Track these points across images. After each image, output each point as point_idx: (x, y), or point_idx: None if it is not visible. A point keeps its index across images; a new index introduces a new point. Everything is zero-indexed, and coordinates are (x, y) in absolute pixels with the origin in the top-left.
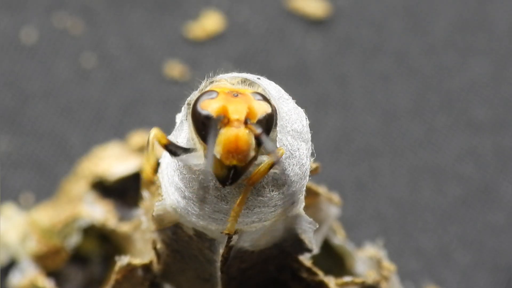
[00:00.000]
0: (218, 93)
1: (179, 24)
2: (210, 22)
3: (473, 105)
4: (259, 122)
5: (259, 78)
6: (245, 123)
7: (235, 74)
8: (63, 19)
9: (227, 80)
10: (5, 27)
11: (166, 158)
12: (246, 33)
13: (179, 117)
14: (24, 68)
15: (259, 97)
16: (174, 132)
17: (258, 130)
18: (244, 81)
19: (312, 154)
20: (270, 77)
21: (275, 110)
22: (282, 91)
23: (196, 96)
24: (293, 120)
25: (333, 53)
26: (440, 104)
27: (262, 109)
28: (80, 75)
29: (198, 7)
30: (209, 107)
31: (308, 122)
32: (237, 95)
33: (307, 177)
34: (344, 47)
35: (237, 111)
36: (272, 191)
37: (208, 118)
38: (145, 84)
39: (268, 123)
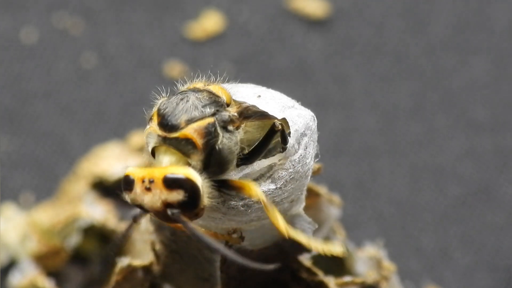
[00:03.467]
0: (133, 182)
1: (179, 24)
2: (210, 22)
3: (473, 105)
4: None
5: (259, 96)
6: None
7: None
8: (63, 19)
9: (160, 111)
10: (5, 27)
11: None
12: (246, 33)
13: None
14: (24, 68)
15: (172, 179)
16: None
17: (176, 216)
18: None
19: (316, 155)
20: (270, 77)
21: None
22: (284, 99)
23: (121, 178)
24: (307, 121)
25: (333, 53)
26: (440, 104)
27: (174, 199)
28: (80, 75)
29: (198, 7)
30: (128, 197)
31: (316, 122)
32: (149, 188)
33: (309, 177)
34: (344, 47)
35: (151, 207)
36: (269, 184)
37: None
38: (145, 84)
39: (185, 205)
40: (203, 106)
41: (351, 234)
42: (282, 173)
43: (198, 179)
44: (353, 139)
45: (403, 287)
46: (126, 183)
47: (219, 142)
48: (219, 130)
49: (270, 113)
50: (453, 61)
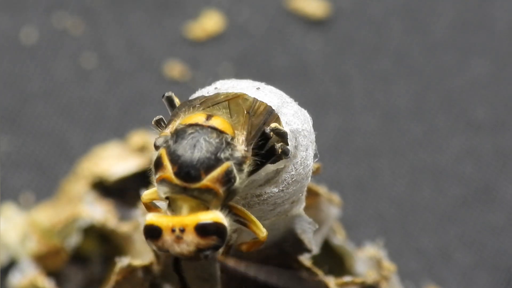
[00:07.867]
0: (161, 231)
1: (179, 24)
2: (210, 22)
3: (473, 105)
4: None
5: (258, 89)
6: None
7: (220, 84)
8: (63, 19)
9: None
10: (5, 27)
11: None
12: (246, 33)
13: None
14: (24, 68)
15: (205, 227)
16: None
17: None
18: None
19: (315, 156)
20: (270, 77)
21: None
22: (284, 95)
23: (142, 225)
24: (302, 121)
25: (333, 53)
26: (440, 104)
27: (208, 244)
28: (80, 75)
29: (198, 7)
30: (154, 245)
31: (312, 122)
32: (181, 238)
33: (309, 178)
34: (344, 47)
35: (183, 255)
36: (272, 188)
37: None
38: (145, 84)
39: (217, 248)
40: (218, 152)
41: (351, 234)
42: (285, 176)
43: (225, 220)
44: (353, 139)
45: (403, 287)
46: (151, 232)
47: (236, 183)
48: (236, 173)
49: (269, 104)
50: (453, 61)
